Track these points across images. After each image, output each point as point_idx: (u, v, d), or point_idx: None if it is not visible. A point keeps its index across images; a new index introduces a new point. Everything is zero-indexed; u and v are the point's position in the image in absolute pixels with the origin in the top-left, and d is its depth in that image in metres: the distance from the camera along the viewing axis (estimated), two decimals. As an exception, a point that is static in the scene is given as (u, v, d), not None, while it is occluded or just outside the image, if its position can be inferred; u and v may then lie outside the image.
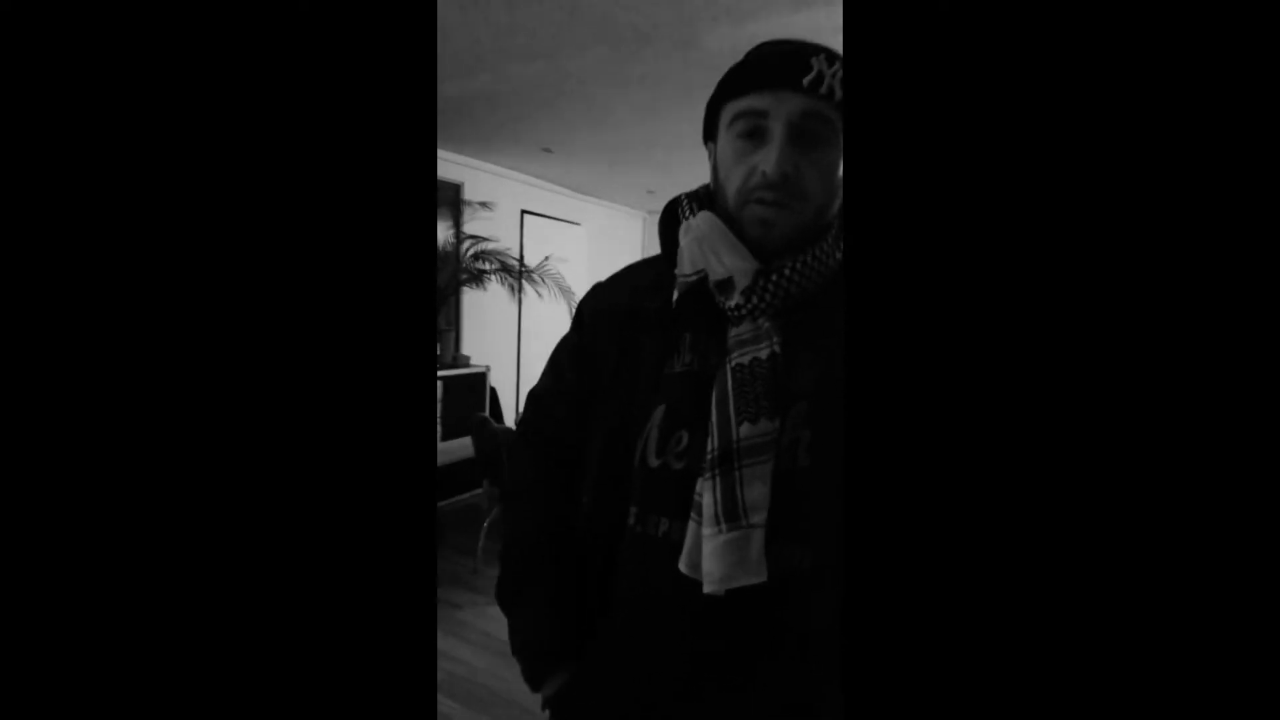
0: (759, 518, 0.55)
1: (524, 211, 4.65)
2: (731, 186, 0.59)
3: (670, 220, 0.66)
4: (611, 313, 0.66)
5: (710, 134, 0.63)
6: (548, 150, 3.82)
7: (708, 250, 0.59)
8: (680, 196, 0.68)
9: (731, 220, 0.60)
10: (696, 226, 0.60)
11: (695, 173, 3.69)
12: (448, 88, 2.62)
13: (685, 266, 0.61)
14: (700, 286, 0.60)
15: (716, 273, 0.59)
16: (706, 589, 0.55)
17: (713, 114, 0.62)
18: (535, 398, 0.75)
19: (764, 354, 0.57)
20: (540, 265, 3.94)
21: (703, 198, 0.65)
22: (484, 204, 3.93)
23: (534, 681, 0.67)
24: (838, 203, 0.61)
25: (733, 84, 0.59)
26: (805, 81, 0.55)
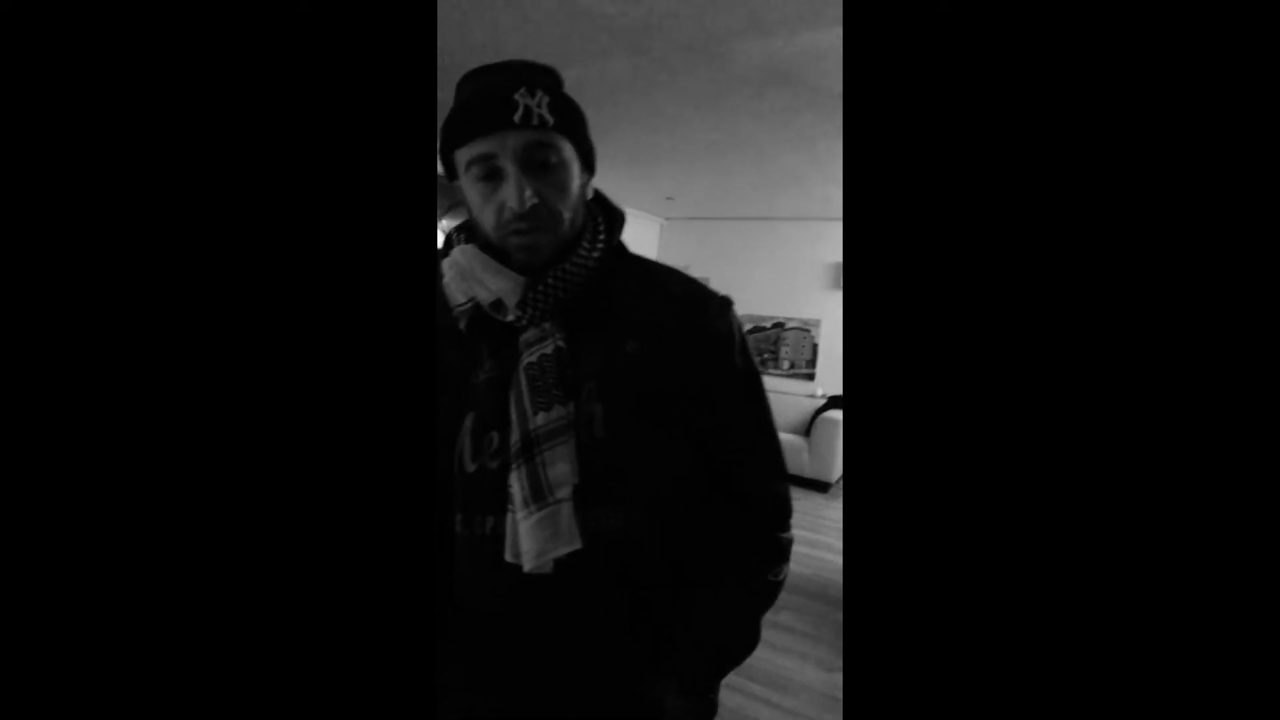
0: (564, 492, 0.61)
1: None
2: (487, 224, 0.65)
3: (443, 252, 0.72)
4: (438, 331, 0.69)
5: (453, 175, 0.68)
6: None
7: (471, 280, 0.66)
8: (450, 231, 0.74)
9: (497, 251, 0.66)
10: (454, 260, 0.67)
11: (712, 181, 3.67)
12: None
13: (456, 297, 0.67)
14: (477, 311, 0.66)
15: (484, 296, 0.65)
16: (526, 568, 0.60)
17: (448, 159, 0.67)
18: None
19: (549, 349, 0.64)
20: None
21: (471, 228, 0.70)
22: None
23: None
24: (580, 210, 0.68)
25: (455, 133, 0.64)
26: (516, 119, 0.61)
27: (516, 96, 0.61)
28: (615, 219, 0.74)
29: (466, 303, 0.66)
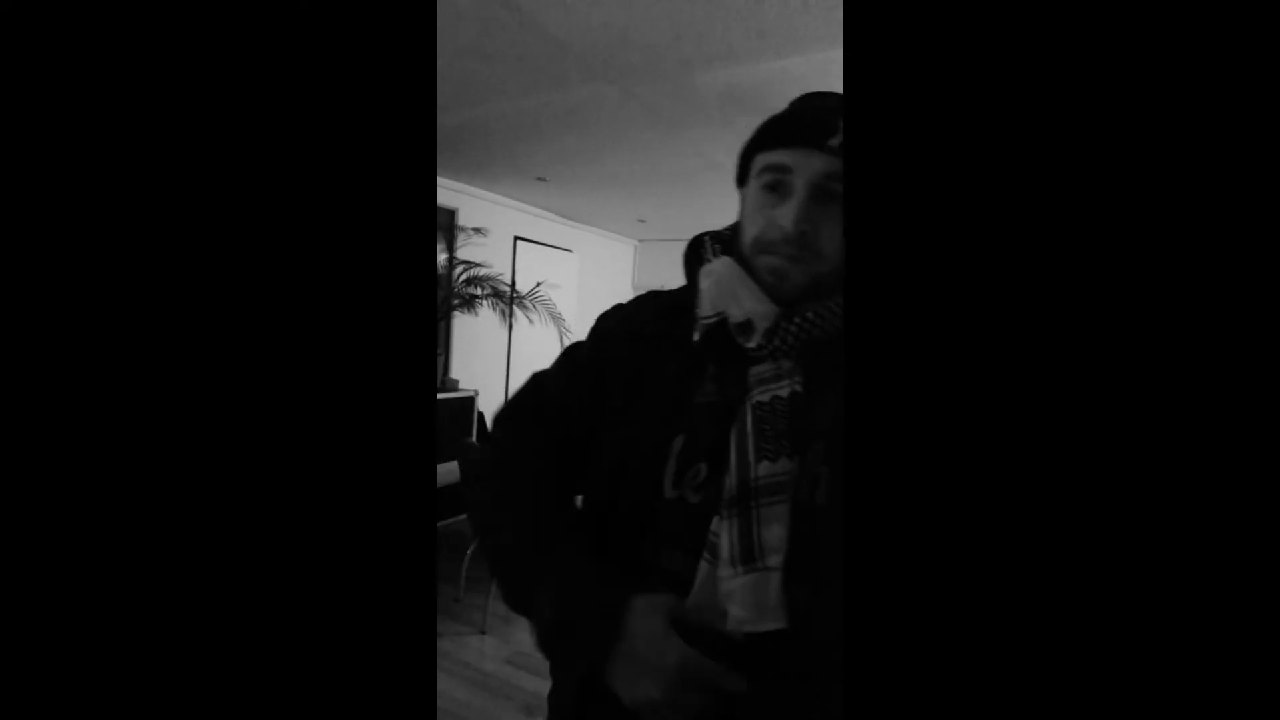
0: (776, 560, 0.54)
1: (517, 238, 4.70)
2: (750, 234, 0.61)
3: (694, 255, 0.68)
4: (635, 334, 0.66)
5: (742, 179, 0.65)
6: (542, 179, 3.88)
7: (726, 294, 0.60)
8: (704, 235, 0.69)
9: (747, 265, 0.61)
10: (716, 270, 0.62)
11: (684, 204, 3.74)
12: (446, 117, 2.68)
13: (705, 308, 0.61)
14: (720, 328, 0.60)
15: (735, 315, 0.59)
16: (728, 628, 0.54)
17: (745, 161, 0.64)
18: (538, 382, 0.71)
19: (785, 392, 0.58)
20: (532, 291, 3.98)
21: (726, 239, 0.66)
22: (478, 230, 3.98)
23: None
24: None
25: (765, 136, 0.61)
26: (831, 144, 0.56)
27: (840, 122, 0.56)
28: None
29: (713, 316, 0.60)
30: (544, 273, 4.64)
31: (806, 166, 0.57)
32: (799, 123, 0.59)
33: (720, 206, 4.10)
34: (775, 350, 0.59)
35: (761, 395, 0.58)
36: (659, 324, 0.64)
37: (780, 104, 2.37)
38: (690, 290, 0.65)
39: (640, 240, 5.81)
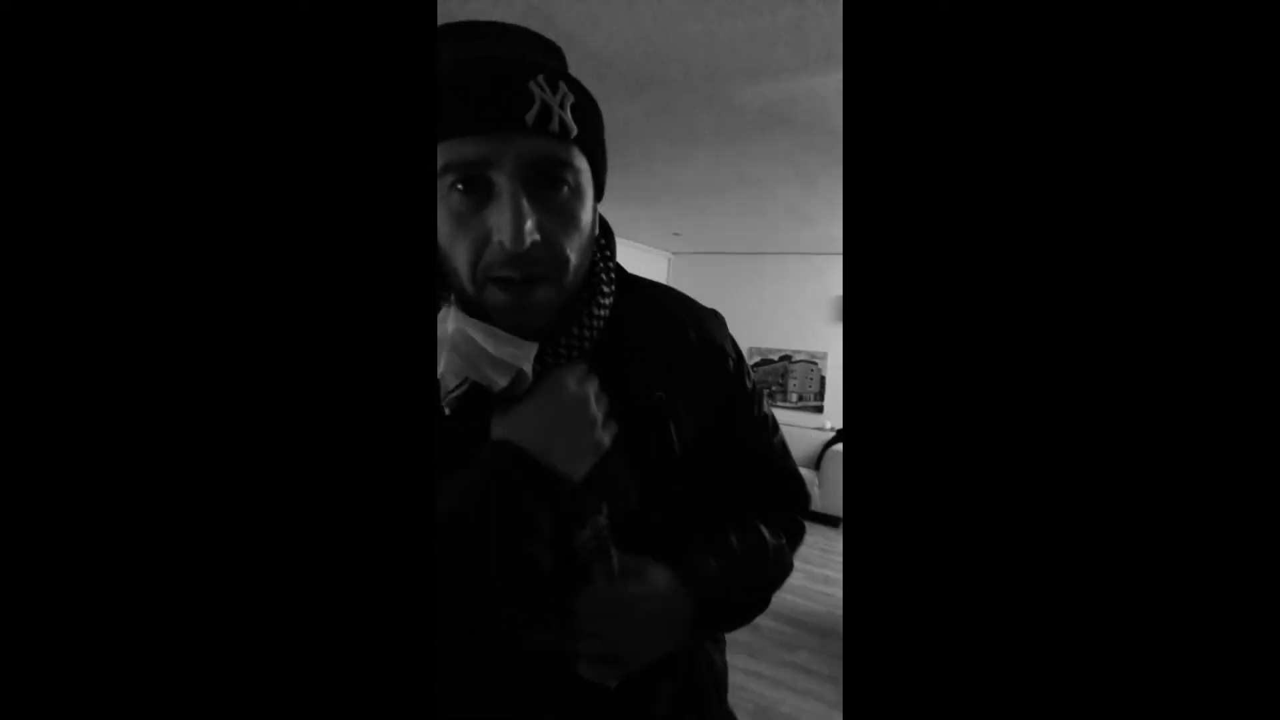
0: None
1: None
2: (460, 259, 0.47)
3: None
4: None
5: None
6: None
7: (473, 360, 0.48)
8: None
9: (472, 303, 0.49)
10: (450, 338, 0.48)
11: (718, 217, 3.71)
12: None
13: (449, 379, 0.48)
14: (476, 391, 0.49)
15: (494, 379, 0.48)
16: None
17: None
18: None
19: None
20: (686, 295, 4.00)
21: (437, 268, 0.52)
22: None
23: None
24: (588, 252, 0.52)
25: (440, 122, 0.45)
26: (530, 119, 0.44)
27: (532, 87, 0.44)
28: (609, 237, 0.60)
29: (460, 385, 0.48)
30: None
31: (508, 155, 0.44)
32: (479, 99, 0.44)
33: (754, 219, 4.09)
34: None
35: None
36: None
37: (814, 119, 2.34)
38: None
39: (674, 253, 5.82)
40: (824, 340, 5.13)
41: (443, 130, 0.44)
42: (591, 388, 0.51)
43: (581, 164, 0.48)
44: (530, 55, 0.47)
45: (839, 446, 4.33)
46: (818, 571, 3.40)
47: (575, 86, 0.48)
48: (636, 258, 5.58)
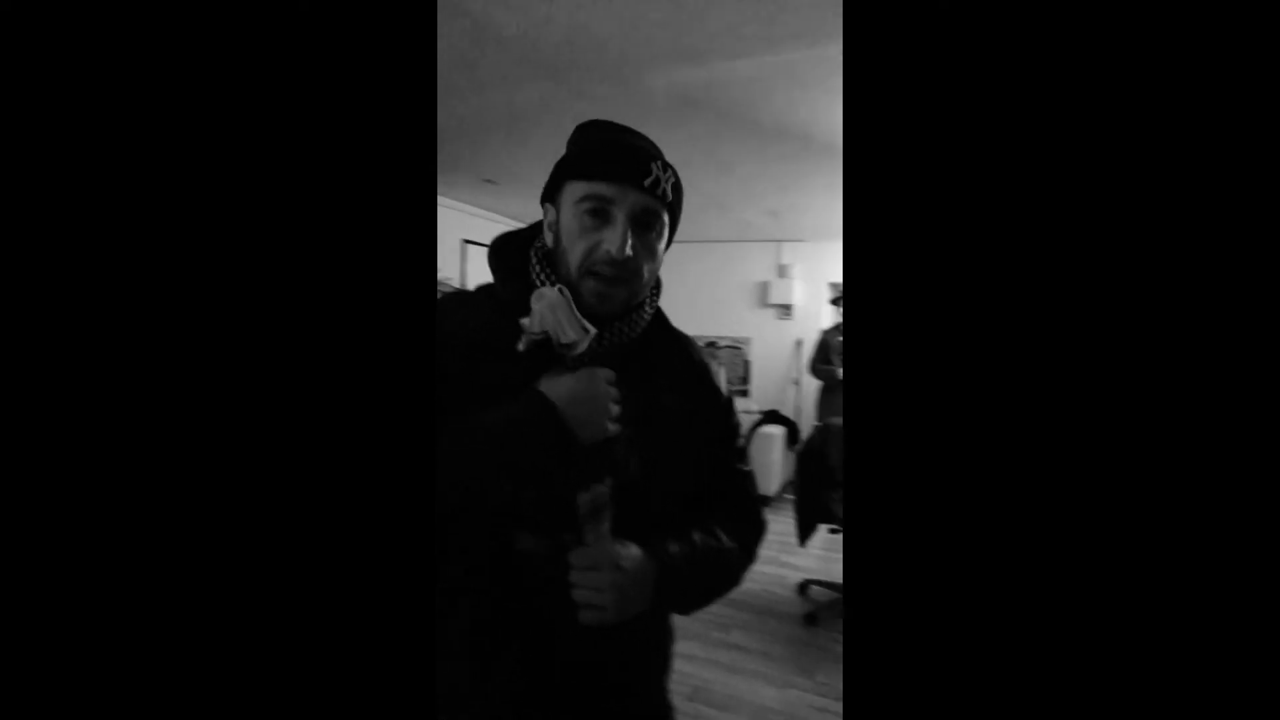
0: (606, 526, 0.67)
1: (465, 241, 4.61)
2: (575, 255, 0.70)
3: (504, 255, 0.77)
4: (472, 339, 0.72)
5: (551, 197, 0.74)
6: (490, 181, 3.81)
7: (555, 320, 0.68)
8: (518, 237, 0.79)
9: (571, 285, 0.70)
10: (548, 298, 0.69)
11: None
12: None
13: (535, 326, 0.69)
14: (545, 343, 0.69)
15: (561, 338, 0.68)
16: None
17: (557, 182, 0.73)
18: None
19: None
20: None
21: (545, 255, 0.75)
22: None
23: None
24: (654, 278, 0.77)
25: (583, 167, 0.70)
26: (646, 183, 0.68)
27: (653, 165, 0.69)
28: (659, 287, 0.81)
29: (540, 334, 0.68)
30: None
31: (626, 199, 0.68)
32: (617, 162, 0.69)
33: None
34: (588, 360, 0.69)
35: None
36: (492, 327, 0.72)
37: (730, 106, 2.39)
38: (510, 292, 0.74)
39: None
40: (748, 326, 5.23)
41: (590, 174, 0.69)
42: (613, 385, 0.69)
43: (666, 219, 0.73)
44: (656, 152, 0.73)
45: (764, 429, 4.44)
46: (749, 551, 3.48)
47: (674, 172, 0.73)
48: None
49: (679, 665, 2.21)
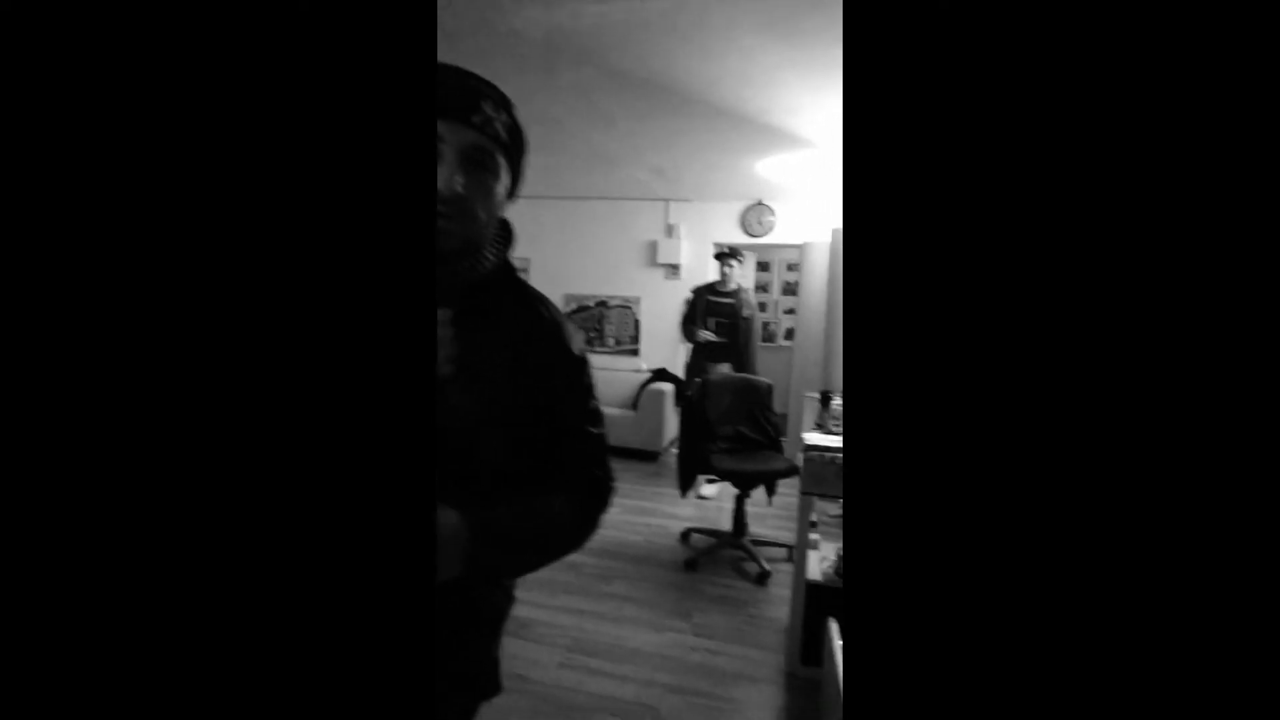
0: None
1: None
2: None
3: None
4: None
5: None
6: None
7: None
8: None
9: None
10: None
11: (540, 169, 3.51)
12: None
13: None
14: None
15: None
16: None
17: None
18: None
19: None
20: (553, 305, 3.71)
21: None
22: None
23: None
24: (493, 226, 0.75)
25: None
26: (474, 120, 0.67)
27: (483, 104, 0.68)
28: (510, 239, 0.79)
29: None
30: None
31: (454, 137, 0.66)
32: (445, 97, 0.67)
33: (558, 162, 4.00)
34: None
35: None
36: None
37: (604, 52, 2.33)
38: None
39: None
40: (637, 285, 5.26)
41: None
42: (446, 325, 0.70)
43: (501, 162, 0.71)
44: (492, 91, 0.70)
45: (653, 386, 4.53)
46: (636, 504, 3.56)
47: (512, 115, 0.72)
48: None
49: (561, 619, 2.26)
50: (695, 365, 3.98)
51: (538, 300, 0.82)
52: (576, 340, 0.82)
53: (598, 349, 5.29)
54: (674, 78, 2.50)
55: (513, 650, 2.08)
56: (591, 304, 5.34)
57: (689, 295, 4.13)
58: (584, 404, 0.82)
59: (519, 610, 2.43)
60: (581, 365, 0.81)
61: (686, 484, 3.03)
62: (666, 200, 5.09)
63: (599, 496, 0.82)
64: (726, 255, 3.97)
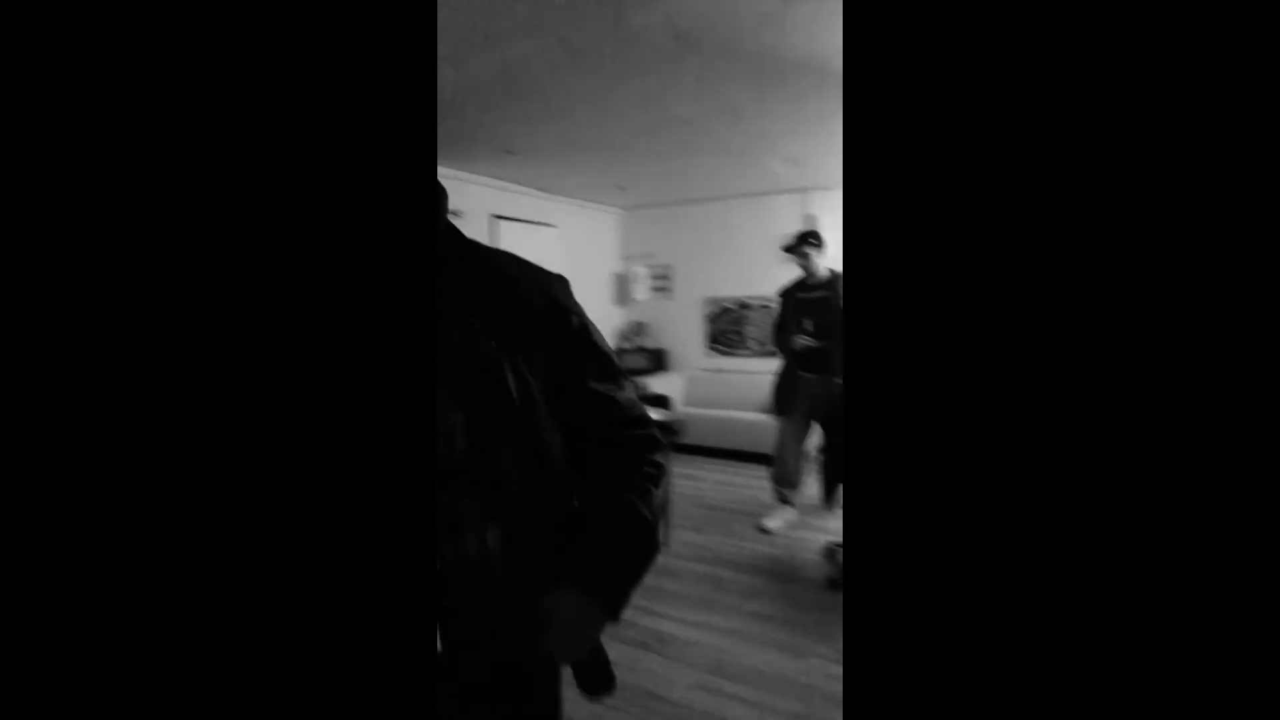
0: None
1: (495, 216, 4.57)
2: None
3: None
4: None
5: None
6: (510, 151, 3.73)
7: None
8: None
9: None
10: None
11: (660, 166, 3.55)
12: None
13: None
14: None
15: None
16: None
17: None
18: None
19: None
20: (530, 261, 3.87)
21: None
22: (453, 212, 3.85)
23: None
24: None
25: None
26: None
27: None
28: (440, 198, 0.65)
29: None
30: (524, 250, 4.50)
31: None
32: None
33: (690, 163, 3.93)
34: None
35: None
36: None
37: (732, 39, 2.20)
38: None
39: (623, 208, 5.64)
40: (776, 283, 5.04)
41: None
42: None
43: None
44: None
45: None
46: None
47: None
48: (584, 216, 5.40)
49: (699, 637, 2.17)
50: (787, 377, 3.25)
51: (497, 261, 0.69)
52: (570, 302, 0.69)
53: (739, 352, 5.14)
54: (805, 58, 2.32)
55: (648, 665, 2.02)
56: (733, 306, 5.20)
57: (775, 299, 3.49)
58: (602, 368, 0.69)
59: (658, 624, 2.37)
60: (584, 328, 0.68)
61: (831, 493, 2.80)
62: (804, 190, 4.82)
63: (649, 448, 0.71)
64: (798, 244, 3.17)
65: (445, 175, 4.03)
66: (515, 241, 4.63)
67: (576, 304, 0.70)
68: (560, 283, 0.71)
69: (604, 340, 0.72)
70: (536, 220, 4.97)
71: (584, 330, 0.69)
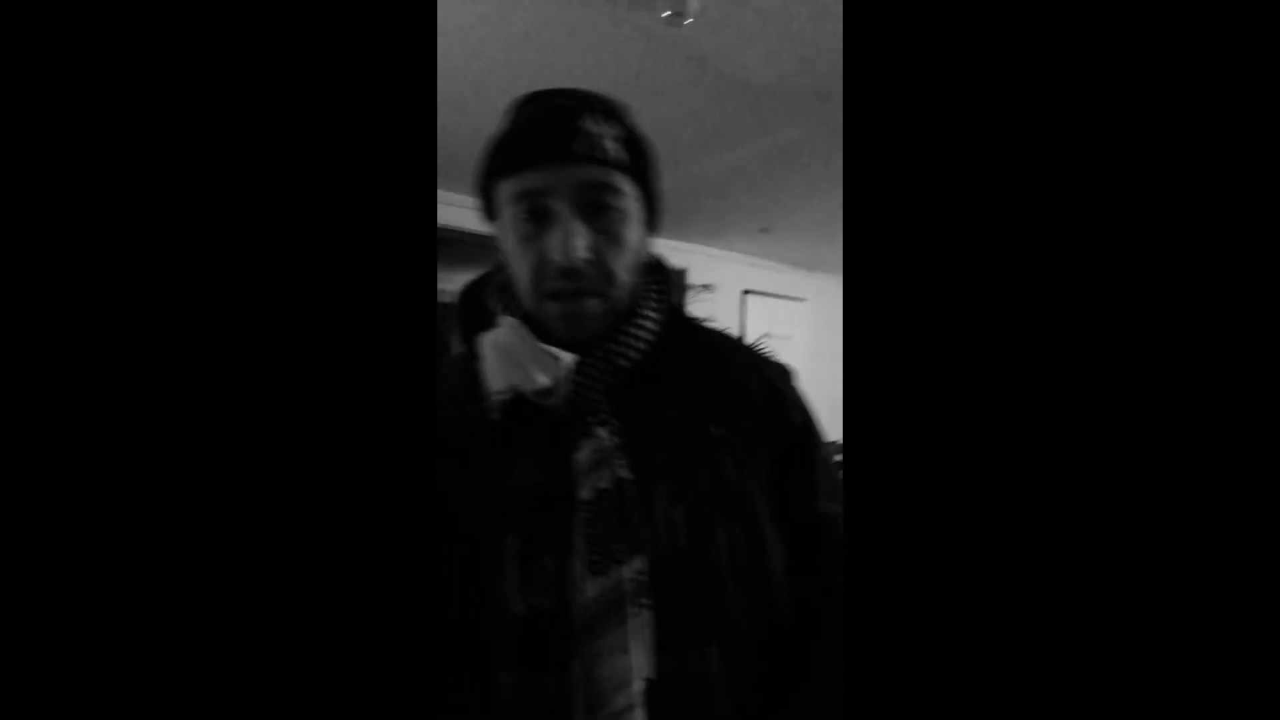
0: (625, 699, 0.46)
1: (746, 291, 4.79)
2: (522, 279, 0.53)
3: (470, 310, 0.59)
4: (464, 427, 0.55)
5: (491, 213, 0.56)
6: (765, 230, 3.92)
7: (513, 364, 0.52)
8: (480, 281, 0.61)
9: (531, 319, 0.53)
10: (498, 340, 0.53)
11: (790, 202, 3.28)
12: (665, 180, 2.85)
13: (496, 383, 0.53)
14: (519, 401, 0.52)
15: (528, 386, 0.51)
16: None
17: (486, 193, 0.55)
18: None
19: (607, 483, 0.49)
20: (754, 344, 3.96)
21: (500, 287, 0.58)
22: (705, 286, 4.15)
23: None
24: (639, 273, 0.56)
25: (502, 161, 0.53)
26: (578, 149, 0.49)
27: (581, 123, 0.51)
28: (671, 279, 0.60)
29: (505, 390, 0.52)
30: (774, 324, 4.62)
31: (561, 183, 0.50)
32: (535, 134, 0.51)
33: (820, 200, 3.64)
34: (582, 405, 0.52)
35: (585, 493, 0.50)
36: (468, 400, 0.55)
37: (816, 81, 2.00)
38: (471, 354, 0.56)
39: (760, 261, 5.43)
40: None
41: (511, 167, 0.52)
42: (613, 434, 0.52)
43: (627, 190, 0.53)
44: (589, 102, 0.54)
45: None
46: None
47: (625, 123, 0.54)
48: (835, 291, 5.35)
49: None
50: None
51: (724, 346, 0.61)
52: (792, 394, 0.59)
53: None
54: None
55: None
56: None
57: None
58: (827, 476, 0.58)
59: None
60: (808, 426, 0.58)
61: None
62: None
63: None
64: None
65: (700, 251, 4.36)
66: (764, 315, 4.77)
67: (800, 397, 0.61)
68: (781, 372, 0.62)
69: (827, 445, 0.61)
70: (787, 295, 5.07)
71: (807, 431, 0.59)
